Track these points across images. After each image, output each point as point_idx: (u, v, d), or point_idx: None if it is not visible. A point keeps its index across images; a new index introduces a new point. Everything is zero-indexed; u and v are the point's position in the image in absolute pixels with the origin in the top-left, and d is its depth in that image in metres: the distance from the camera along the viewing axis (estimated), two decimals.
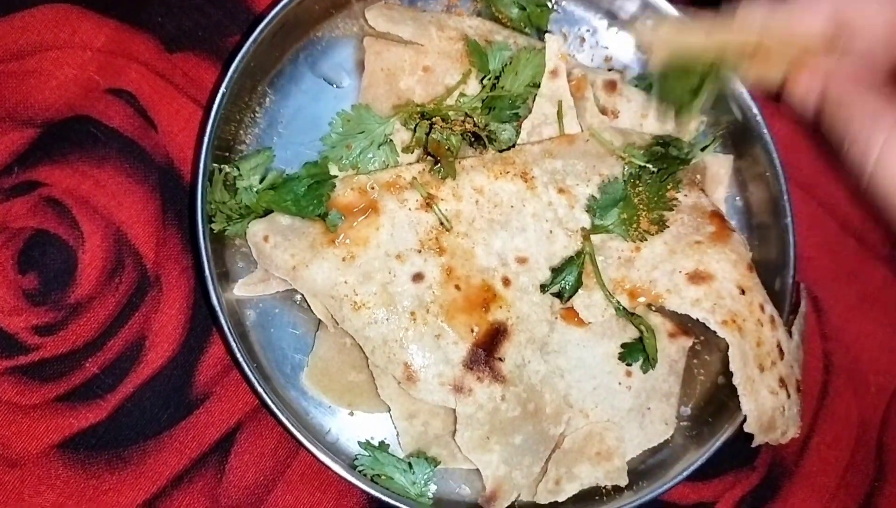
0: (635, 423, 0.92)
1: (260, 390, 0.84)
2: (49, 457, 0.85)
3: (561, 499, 0.89)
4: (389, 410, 0.90)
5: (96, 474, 0.85)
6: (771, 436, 0.89)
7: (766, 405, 0.88)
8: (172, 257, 0.91)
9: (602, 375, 0.91)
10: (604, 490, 0.91)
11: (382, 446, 0.89)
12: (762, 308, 0.91)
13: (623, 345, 0.92)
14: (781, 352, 0.91)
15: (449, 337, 0.87)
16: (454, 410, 0.87)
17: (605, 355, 0.92)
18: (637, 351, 0.91)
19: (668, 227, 0.92)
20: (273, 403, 0.84)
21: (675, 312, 0.90)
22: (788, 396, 0.90)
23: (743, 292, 0.90)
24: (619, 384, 0.92)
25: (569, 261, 0.91)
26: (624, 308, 0.90)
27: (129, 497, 0.85)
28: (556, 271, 0.91)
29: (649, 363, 0.91)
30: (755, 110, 0.99)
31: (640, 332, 0.91)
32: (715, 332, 0.89)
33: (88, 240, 0.90)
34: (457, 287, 0.88)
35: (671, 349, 0.94)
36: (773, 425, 0.89)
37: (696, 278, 0.90)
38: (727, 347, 0.89)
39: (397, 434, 0.90)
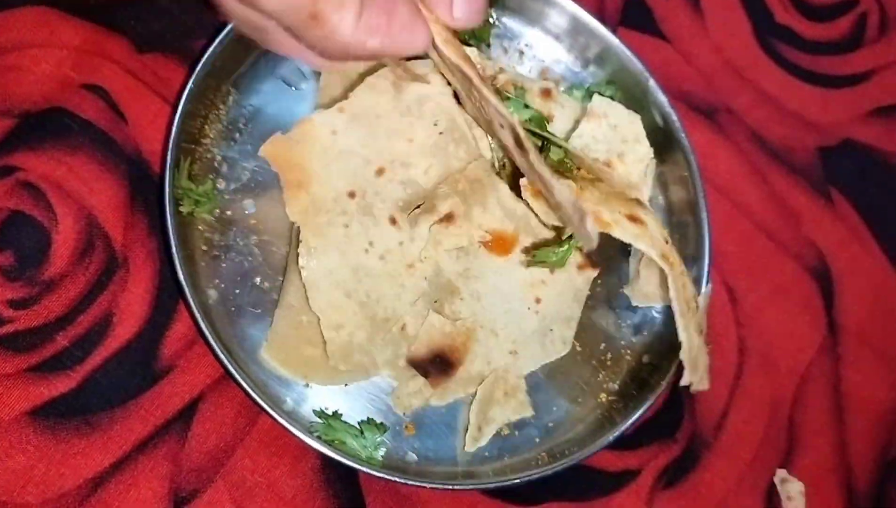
0: (537, 343, 1.01)
1: (224, 359, 0.89)
2: (21, 423, 0.89)
3: (483, 443, 0.97)
4: (343, 384, 0.97)
5: (65, 439, 0.90)
6: (693, 377, 0.92)
7: (694, 343, 0.92)
8: (139, 240, 0.97)
9: (515, 300, 1.00)
10: (539, 458, 0.99)
11: (336, 415, 0.96)
12: (683, 262, 0.97)
13: (534, 244, 0.99)
14: (697, 307, 0.97)
15: None
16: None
17: (521, 282, 1.00)
18: (548, 253, 0.95)
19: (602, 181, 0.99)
20: (236, 371, 0.90)
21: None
22: (705, 346, 0.95)
23: (667, 242, 0.96)
24: (528, 309, 1.00)
25: None
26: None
27: (96, 461, 0.90)
28: None
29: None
30: (674, 118, 1.09)
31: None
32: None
33: (62, 222, 0.95)
34: None
35: (578, 280, 1.03)
36: (696, 365, 0.92)
37: (633, 219, 0.95)
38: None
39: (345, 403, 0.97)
